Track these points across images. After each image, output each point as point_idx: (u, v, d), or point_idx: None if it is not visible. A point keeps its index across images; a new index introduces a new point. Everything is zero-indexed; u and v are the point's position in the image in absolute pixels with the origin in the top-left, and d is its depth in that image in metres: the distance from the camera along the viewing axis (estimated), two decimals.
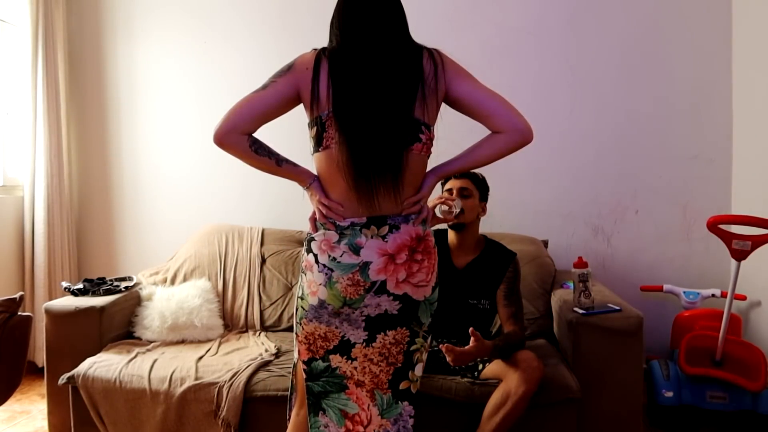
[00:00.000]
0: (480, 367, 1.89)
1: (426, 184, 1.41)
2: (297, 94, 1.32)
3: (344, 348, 1.36)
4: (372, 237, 1.31)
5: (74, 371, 2.00)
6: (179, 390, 1.91)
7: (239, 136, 1.28)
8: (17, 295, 1.74)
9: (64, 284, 2.35)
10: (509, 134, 1.36)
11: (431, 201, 1.82)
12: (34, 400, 2.66)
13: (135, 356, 2.10)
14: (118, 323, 2.31)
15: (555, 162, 2.81)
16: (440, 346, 1.73)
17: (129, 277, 2.56)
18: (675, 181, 2.73)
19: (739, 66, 2.64)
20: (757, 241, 2.05)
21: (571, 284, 2.16)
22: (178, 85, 3.10)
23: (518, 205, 2.82)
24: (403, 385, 1.39)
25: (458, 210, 1.88)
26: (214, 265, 2.64)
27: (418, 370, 1.41)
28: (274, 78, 1.32)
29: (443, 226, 1.99)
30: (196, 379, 1.93)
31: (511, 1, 2.82)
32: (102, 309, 2.18)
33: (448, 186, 2.02)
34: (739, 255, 2.10)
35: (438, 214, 1.85)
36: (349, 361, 1.37)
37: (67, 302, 2.20)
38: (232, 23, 3.03)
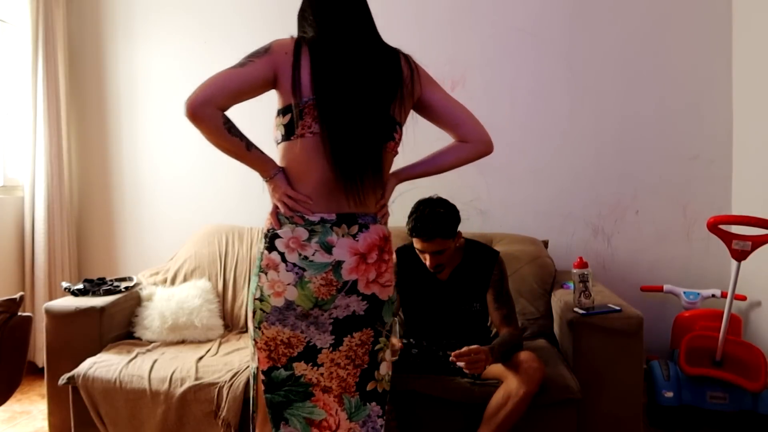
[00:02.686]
0: (483, 368, 1.88)
1: (389, 187, 1.41)
2: (273, 77, 1.27)
3: (309, 354, 1.30)
4: (343, 235, 1.28)
5: (74, 371, 2.01)
6: (179, 390, 1.91)
7: (214, 110, 1.21)
8: (17, 296, 1.74)
9: (64, 284, 2.35)
10: (475, 144, 1.42)
11: None
12: (34, 401, 2.66)
13: (135, 356, 2.10)
14: (118, 323, 2.31)
15: (555, 162, 2.81)
16: (453, 356, 1.68)
17: (129, 277, 2.56)
18: (675, 182, 2.73)
19: (739, 66, 2.64)
20: (757, 242, 2.05)
21: (572, 284, 2.16)
22: (178, 85, 3.10)
23: (518, 205, 2.82)
24: (370, 386, 1.35)
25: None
26: (214, 266, 2.64)
27: (383, 369, 1.37)
28: (252, 58, 1.27)
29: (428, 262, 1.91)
30: (197, 379, 1.93)
31: (511, 1, 2.82)
32: (102, 309, 2.18)
33: (417, 247, 1.86)
34: (739, 255, 2.10)
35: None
36: (315, 368, 1.31)
37: (68, 302, 2.20)
38: (232, 23, 3.02)
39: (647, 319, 1.92)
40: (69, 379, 2.00)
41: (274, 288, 1.28)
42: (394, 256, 1.41)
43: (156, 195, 3.16)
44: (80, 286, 2.33)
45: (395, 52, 1.38)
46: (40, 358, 2.84)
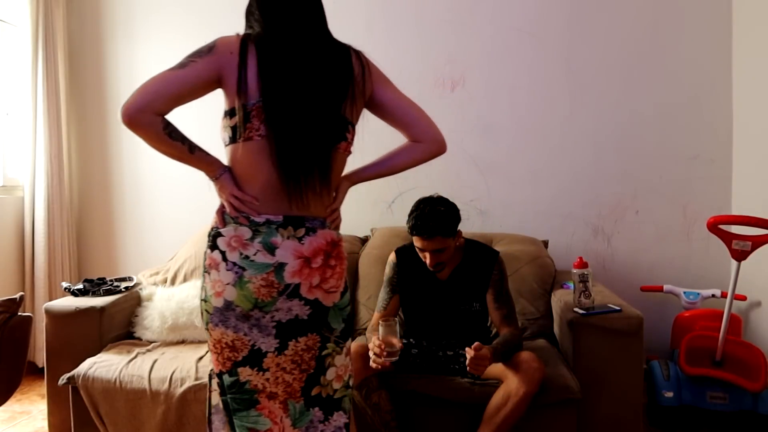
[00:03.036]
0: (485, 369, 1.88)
1: (341, 190, 1.38)
2: (217, 78, 1.22)
3: (254, 359, 1.25)
4: (288, 237, 1.24)
5: (74, 371, 2.01)
6: (179, 390, 1.90)
7: (152, 116, 1.16)
8: (17, 296, 1.74)
9: (64, 284, 2.35)
10: (428, 144, 1.41)
11: (371, 359, 1.70)
12: (34, 401, 2.66)
13: (135, 356, 2.09)
14: (118, 323, 2.31)
15: (555, 162, 2.81)
16: (467, 350, 1.67)
17: (129, 277, 2.56)
18: (675, 182, 2.73)
19: (739, 66, 2.64)
20: (757, 242, 2.05)
21: (572, 284, 2.16)
22: None
23: (518, 205, 2.82)
24: (315, 391, 1.31)
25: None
26: None
27: (330, 374, 1.32)
28: (194, 58, 1.21)
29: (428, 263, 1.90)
30: (196, 379, 1.93)
31: (511, 1, 2.82)
32: (102, 309, 2.18)
33: (418, 245, 1.86)
34: (739, 255, 2.09)
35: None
36: (261, 373, 1.25)
37: (68, 302, 2.20)
38: (232, 24, 3.00)
39: (647, 319, 1.92)
40: (69, 379, 2.00)
41: (215, 288, 1.24)
42: (345, 261, 1.36)
43: (156, 195, 3.16)
44: (80, 286, 2.33)
45: (346, 49, 1.33)
46: (40, 358, 2.84)
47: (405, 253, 2.01)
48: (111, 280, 2.44)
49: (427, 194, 1.92)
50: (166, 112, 1.19)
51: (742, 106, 2.62)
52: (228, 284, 1.22)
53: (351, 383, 1.39)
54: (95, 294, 2.29)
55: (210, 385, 1.34)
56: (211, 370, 1.32)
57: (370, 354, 1.72)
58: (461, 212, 1.92)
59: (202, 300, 1.28)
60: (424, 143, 1.40)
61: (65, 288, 2.33)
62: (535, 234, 2.64)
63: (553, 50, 2.80)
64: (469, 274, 1.95)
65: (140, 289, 2.47)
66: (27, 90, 2.90)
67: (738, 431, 2.17)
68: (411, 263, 1.98)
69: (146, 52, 3.14)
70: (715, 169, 2.70)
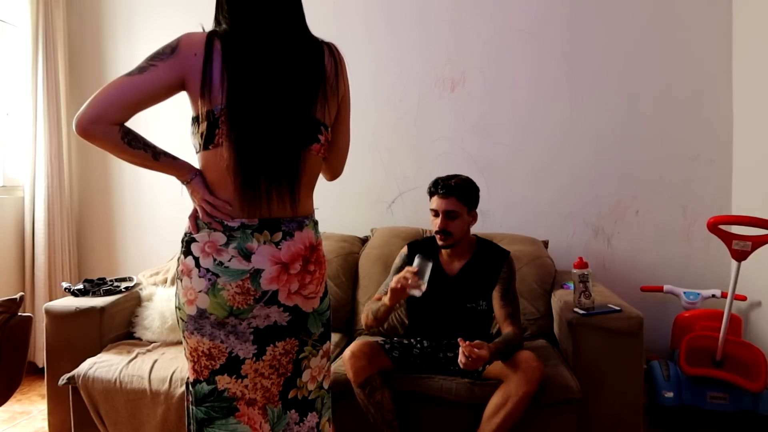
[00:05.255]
0: (480, 367, 1.89)
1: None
2: (180, 82, 1.16)
3: (232, 366, 1.21)
4: (264, 242, 1.19)
5: (74, 372, 2.01)
6: (179, 390, 1.90)
7: (108, 127, 1.10)
8: (17, 296, 1.74)
9: (65, 285, 2.35)
10: (327, 173, 1.41)
11: (396, 279, 1.75)
12: (34, 401, 2.66)
13: (135, 357, 2.10)
14: (118, 324, 2.31)
15: (555, 162, 2.81)
16: (459, 341, 1.68)
17: (129, 277, 2.56)
18: (675, 182, 2.73)
19: (739, 66, 2.64)
20: (757, 242, 2.05)
21: (572, 285, 2.16)
22: None
23: (518, 205, 2.82)
24: (291, 394, 1.29)
25: (424, 290, 1.70)
26: None
27: (305, 376, 1.30)
28: (154, 61, 1.14)
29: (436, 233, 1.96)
30: None
31: (511, 1, 2.82)
32: (102, 309, 2.18)
33: (432, 206, 1.92)
34: (740, 255, 2.09)
35: (411, 293, 1.73)
36: (239, 380, 1.22)
37: (68, 303, 2.20)
38: None
39: (647, 319, 1.92)
40: (69, 379, 2.00)
41: (187, 296, 1.21)
42: (326, 265, 1.35)
43: (156, 195, 3.16)
44: (80, 286, 2.33)
45: (319, 45, 1.26)
46: (40, 358, 2.84)
47: (417, 247, 2.03)
48: (111, 280, 2.44)
49: None
50: (124, 121, 1.13)
51: (742, 106, 2.62)
52: (201, 291, 1.19)
53: (325, 384, 1.37)
54: (95, 294, 2.29)
55: (187, 394, 1.29)
56: (188, 378, 1.28)
57: (400, 277, 1.72)
58: None
59: (176, 308, 1.26)
60: (326, 174, 1.40)
61: (65, 288, 2.33)
62: (535, 234, 2.64)
63: (553, 50, 2.80)
64: (478, 270, 1.97)
65: (140, 289, 2.47)
66: (27, 90, 2.89)
67: (738, 431, 2.17)
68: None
69: (146, 52, 3.11)
70: (715, 169, 2.70)
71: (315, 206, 1.34)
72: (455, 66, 2.86)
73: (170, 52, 1.16)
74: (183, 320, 1.24)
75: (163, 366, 2.02)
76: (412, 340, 2.01)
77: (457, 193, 1.87)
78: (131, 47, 3.15)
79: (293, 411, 1.29)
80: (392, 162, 2.85)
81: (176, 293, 1.25)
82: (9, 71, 2.97)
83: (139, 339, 2.32)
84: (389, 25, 2.92)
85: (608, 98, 2.77)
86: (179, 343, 2.31)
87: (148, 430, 1.94)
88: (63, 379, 2.00)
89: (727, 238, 2.12)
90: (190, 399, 1.26)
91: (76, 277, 3.14)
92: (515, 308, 1.94)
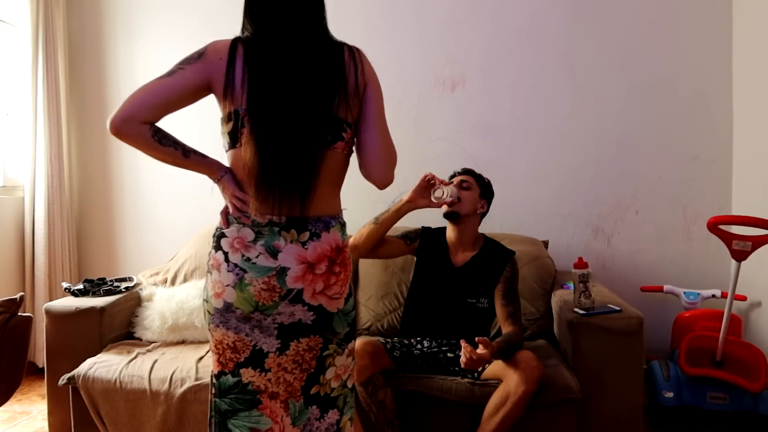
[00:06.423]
0: (480, 367, 1.89)
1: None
2: (207, 85, 1.23)
3: (256, 359, 1.26)
4: (291, 242, 1.23)
5: (74, 372, 2.01)
6: (179, 390, 1.90)
7: (139, 126, 1.16)
8: (18, 296, 1.74)
9: (65, 285, 2.35)
10: (373, 181, 1.36)
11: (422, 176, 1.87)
12: (34, 401, 2.66)
13: (135, 357, 2.10)
14: (118, 324, 2.31)
15: (555, 162, 2.81)
16: (462, 342, 1.71)
17: (129, 277, 2.56)
18: (675, 182, 2.73)
19: (739, 66, 2.64)
20: (757, 242, 2.05)
21: (572, 285, 2.16)
22: None
23: (518, 205, 2.82)
24: (314, 390, 1.31)
25: (448, 195, 1.81)
26: None
27: (329, 373, 1.33)
28: (182, 65, 1.22)
29: (442, 210, 2.00)
30: (197, 379, 1.93)
31: (511, 1, 2.82)
32: (102, 309, 2.18)
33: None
34: (740, 255, 2.09)
35: (433, 199, 1.83)
36: (263, 374, 1.26)
37: (68, 303, 2.19)
38: (232, 24, 3.00)
39: (647, 320, 1.92)
40: (69, 379, 2.00)
41: (215, 289, 1.25)
42: (351, 266, 1.37)
43: (156, 195, 3.16)
44: (80, 286, 2.33)
45: (339, 47, 1.29)
46: (40, 358, 2.84)
47: (430, 234, 2.10)
48: (111, 281, 2.44)
49: None
50: (155, 121, 1.19)
51: (743, 106, 2.62)
52: (228, 285, 1.23)
53: (348, 383, 1.38)
54: (95, 294, 2.29)
55: (211, 387, 1.33)
56: (212, 371, 1.32)
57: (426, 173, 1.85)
58: None
59: (204, 300, 1.30)
60: (369, 178, 1.36)
61: (65, 288, 2.33)
62: (535, 234, 2.64)
63: (553, 50, 2.80)
64: (483, 266, 2.00)
65: (140, 289, 2.47)
66: (27, 90, 2.90)
67: (738, 431, 2.17)
68: (432, 245, 2.06)
69: (146, 52, 3.14)
70: (715, 169, 2.70)
71: (343, 207, 1.36)
72: (455, 66, 2.86)
73: (197, 56, 1.23)
74: (209, 313, 1.27)
75: (163, 366, 2.02)
76: (412, 341, 2.01)
77: (473, 173, 2.08)
78: (131, 47, 3.15)
79: (315, 407, 1.32)
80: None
81: (205, 286, 1.29)
82: (9, 71, 2.97)
83: (139, 339, 2.32)
84: (389, 26, 2.92)
85: (608, 98, 2.77)
86: (179, 343, 2.32)
87: (148, 430, 1.94)
88: (63, 379, 2.00)
89: (727, 238, 2.12)
90: (213, 392, 1.30)
91: (76, 277, 3.14)
92: (516, 308, 1.94)
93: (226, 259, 1.23)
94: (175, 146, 1.23)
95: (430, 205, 1.84)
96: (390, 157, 1.36)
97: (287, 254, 1.22)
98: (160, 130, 1.21)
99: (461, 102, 2.86)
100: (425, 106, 2.88)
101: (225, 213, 1.28)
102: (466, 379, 1.86)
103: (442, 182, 1.84)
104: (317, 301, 1.27)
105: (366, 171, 1.36)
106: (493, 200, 2.13)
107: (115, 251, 3.23)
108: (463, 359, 1.67)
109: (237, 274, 1.22)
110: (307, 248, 1.24)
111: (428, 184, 1.84)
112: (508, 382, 1.71)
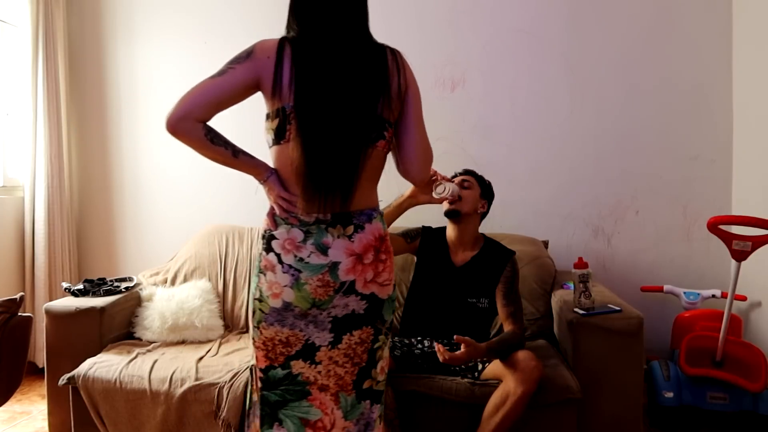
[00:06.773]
0: (480, 367, 1.89)
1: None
2: (256, 83, 1.27)
3: (308, 352, 1.31)
4: (338, 236, 1.28)
5: (74, 372, 2.01)
6: (179, 390, 1.90)
7: (194, 123, 1.22)
8: (18, 296, 1.74)
9: (65, 285, 2.35)
10: (411, 179, 1.47)
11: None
12: (34, 401, 2.66)
13: (135, 357, 2.10)
14: (118, 324, 2.31)
15: (555, 162, 2.81)
16: (436, 344, 1.74)
17: (129, 277, 2.56)
18: (675, 182, 2.73)
19: (739, 66, 2.64)
20: (757, 242, 2.05)
21: (572, 285, 2.16)
22: (179, 85, 3.08)
23: (518, 205, 2.82)
24: (366, 384, 1.35)
25: (449, 192, 1.82)
26: (214, 266, 2.64)
27: (380, 367, 1.38)
28: (232, 64, 1.26)
29: (443, 209, 2.01)
30: (197, 379, 1.93)
31: (511, 1, 2.82)
32: (102, 309, 2.18)
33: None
34: (740, 255, 2.09)
35: (434, 195, 1.84)
36: (313, 366, 1.31)
37: (68, 303, 2.20)
38: (232, 23, 3.02)
39: (647, 320, 1.92)
40: (69, 379, 2.00)
41: (272, 289, 1.29)
42: (392, 256, 1.41)
43: (156, 195, 3.16)
44: (80, 286, 2.33)
45: (382, 49, 1.34)
46: (40, 358, 2.84)
47: (430, 233, 2.11)
48: (111, 281, 2.44)
49: None
50: (208, 119, 1.25)
51: (743, 106, 2.62)
52: (286, 286, 1.27)
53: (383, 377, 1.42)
54: (95, 294, 2.29)
55: (251, 379, 1.38)
56: (254, 365, 1.35)
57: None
58: None
59: (256, 299, 1.32)
60: (406, 176, 1.45)
61: (65, 288, 2.33)
62: (535, 234, 2.64)
63: (552, 50, 2.80)
64: (483, 265, 2.00)
65: (140, 289, 2.47)
66: (27, 90, 2.89)
67: (738, 431, 2.17)
68: (433, 243, 2.07)
69: (146, 52, 3.14)
70: (715, 169, 2.70)
71: (379, 198, 1.41)
72: (455, 66, 2.86)
73: (246, 56, 1.27)
74: (264, 312, 1.31)
75: (163, 366, 2.02)
76: (413, 340, 2.01)
77: (473, 173, 2.09)
78: (131, 47, 3.15)
79: (368, 401, 1.36)
80: (392, 162, 2.84)
81: (258, 287, 1.32)
82: (9, 71, 2.97)
83: (139, 339, 2.32)
84: (389, 25, 2.90)
85: (608, 98, 2.77)
86: (179, 343, 2.32)
87: (148, 430, 1.94)
88: (63, 380, 2.00)
89: (727, 238, 2.12)
90: (259, 385, 1.34)
91: (76, 277, 3.14)
92: (517, 308, 1.94)
93: (280, 261, 1.28)
94: (226, 146, 1.28)
95: (432, 200, 1.85)
96: (427, 156, 1.43)
97: (336, 249, 1.27)
98: (212, 130, 1.26)
99: (461, 102, 2.86)
100: (425, 106, 2.85)
101: (272, 214, 1.32)
102: (466, 379, 1.86)
103: (444, 178, 1.85)
104: (369, 289, 1.31)
105: (404, 169, 1.42)
106: (494, 200, 2.13)
107: (115, 251, 3.23)
108: (440, 358, 1.70)
109: (293, 275, 1.27)
110: (353, 241, 1.29)
111: (430, 180, 1.84)
112: (507, 382, 1.71)
